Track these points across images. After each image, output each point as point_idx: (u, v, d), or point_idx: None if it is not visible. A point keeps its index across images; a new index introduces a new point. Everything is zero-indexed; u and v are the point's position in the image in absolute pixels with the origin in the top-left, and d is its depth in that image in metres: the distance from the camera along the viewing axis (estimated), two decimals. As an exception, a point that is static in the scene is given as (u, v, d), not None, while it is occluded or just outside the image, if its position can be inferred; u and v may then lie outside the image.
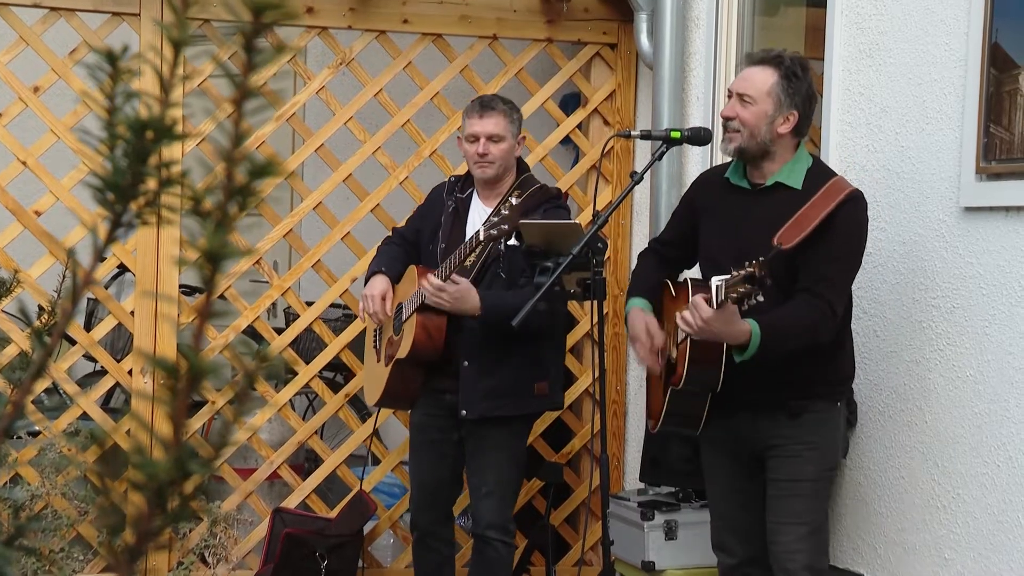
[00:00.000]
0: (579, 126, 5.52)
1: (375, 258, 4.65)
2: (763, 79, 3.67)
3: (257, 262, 5.23)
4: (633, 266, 5.35)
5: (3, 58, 4.99)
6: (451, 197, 4.51)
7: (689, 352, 3.61)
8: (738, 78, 3.82)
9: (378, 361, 4.60)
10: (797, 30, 5.20)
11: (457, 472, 4.57)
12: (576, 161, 5.69)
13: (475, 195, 4.48)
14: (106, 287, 6.12)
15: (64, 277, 5.18)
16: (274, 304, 5.60)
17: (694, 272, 4.05)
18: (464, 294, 4.16)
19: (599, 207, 4.20)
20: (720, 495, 3.95)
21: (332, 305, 5.48)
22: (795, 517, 3.69)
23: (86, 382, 5.85)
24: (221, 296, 5.11)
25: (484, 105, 4.41)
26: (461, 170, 4.65)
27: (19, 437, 5.00)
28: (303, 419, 5.58)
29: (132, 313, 5.07)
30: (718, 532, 3.97)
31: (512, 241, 4.18)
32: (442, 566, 4.62)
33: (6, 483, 4.94)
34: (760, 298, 3.30)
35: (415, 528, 4.63)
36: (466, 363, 4.33)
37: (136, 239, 5.04)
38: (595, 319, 3.96)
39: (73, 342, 5.23)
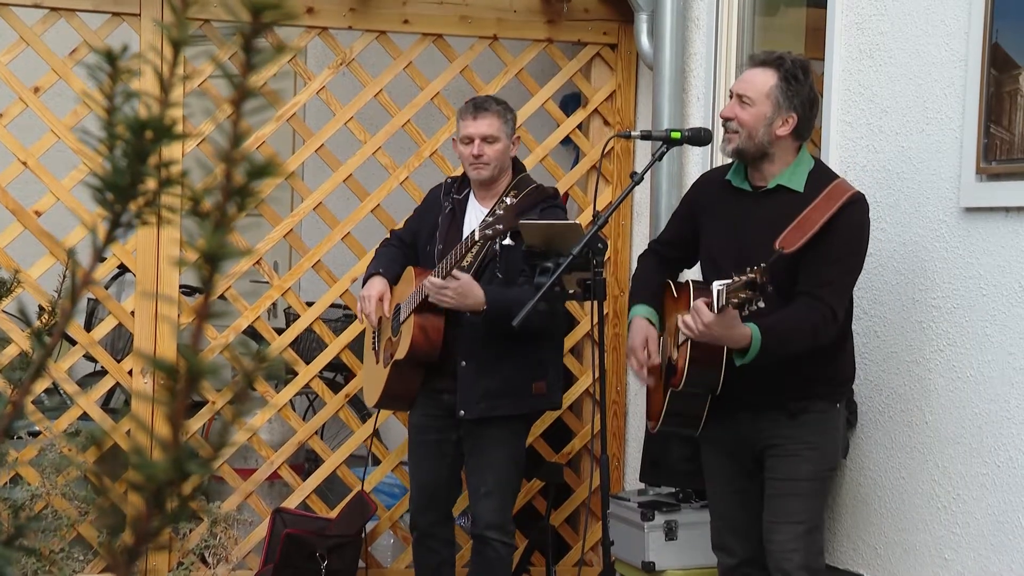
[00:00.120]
0: (579, 126, 5.52)
1: (373, 260, 4.65)
2: (763, 81, 3.67)
3: (257, 262, 5.23)
4: (633, 266, 5.35)
5: (3, 58, 4.99)
6: (448, 198, 4.52)
7: (690, 354, 3.61)
8: (739, 79, 3.82)
9: (377, 362, 4.60)
10: (797, 30, 5.20)
11: (456, 472, 4.57)
12: (576, 161, 5.69)
13: (471, 196, 4.49)
14: (106, 287, 6.12)
15: (64, 277, 5.18)
16: (274, 304, 5.60)
17: (695, 272, 4.05)
18: (468, 289, 4.15)
19: (599, 207, 4.20)
20: (720, 495, 3.95)
21: (332, 305, 5.48)
22: (792, 516, 3.69)
23: (86, 382, 5.85)
24: (221, 296, 5.11)
25: (478, 106, 4.42)
26: (460, 171, 4.65)
27: (19, 437, 5.00)
28: (303, 419, 5.58)
29: (132, 313, 5.07)
30: (718, 532, 3.97)
31: (508, 240, 4.18)
32: (442, 566, 4.62)
33: (6, 483, 4.94)
34: (761, 304, 3.30)
35: (414, 528, 4.63)
36: (464, 363, 4.34)
37: (136, 240, 5.04)
38: (595, 320, 3.96)
39: (73, 342, 5.23)
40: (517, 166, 4.52)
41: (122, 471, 0.98)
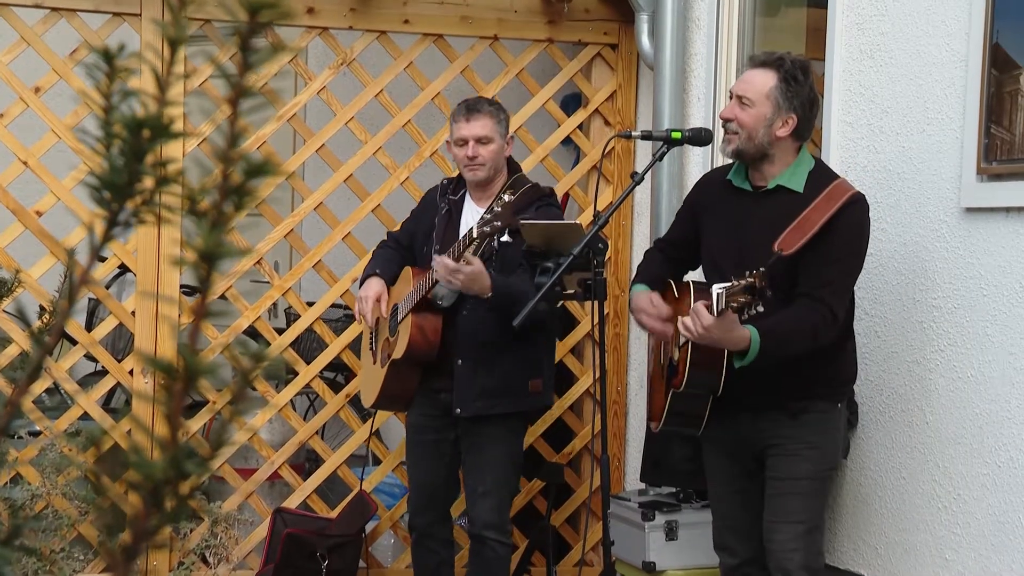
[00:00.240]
0: (580, 127, 5.52)
1: (370, 261, 4.66)
2: (762, 82, 3.66)
3: (258, 262, 5.24)
4: (633, 266, 5.35)
5: (4, 58, 4.99)
6: (444, 199, 4.52)
7: (690, 355, 3.61)
8: (739, 80, 3.82)
9: (374, 363, 4.60)
10: (798, 31, 5.19)
11: (454, 472, 4.57)
12: (577, 161, 5.69)
13: (467, 197, 4.49)
14: (107, 287, 6.12)
15: (65, 277, 5.18)
16: (275, 304, 5.60)
17: (698, 273, 4.05)
18: (478, 275, 4.12)
19: (600, 207, 4.19)
20: (721, 495, 3.95)
21: (333, 305, 5.48)
22: (792, 516, 3.69)
23: (87, 382, 5.85)
24: (222, 296, 5.11)
25: (470, 108, 4.42)
26: (457, 172, 4.65)
27: (20, 437, 5.00)
28: (304, 419, 5.58)
29: (133, 313, 5.07)
30: (719, 532, 3.97)
31: (505, 238, 4.17)
32: (441, 567, 4.62)
33: (6, 483, 4.94)
34: (760, 308, 3.30)
35: (413, 529, 4.63)
36: (460, 362, 4.34)
37: (137, 239, 5.04)
38: (596, 319, 3.96)
39: (74, 342, 5.24)
40: (512, 166, 4.52)
41: (122, 471, 0.98)
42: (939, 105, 3.84)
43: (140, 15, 4.98)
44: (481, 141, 4.38)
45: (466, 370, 4.34)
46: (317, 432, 5.44)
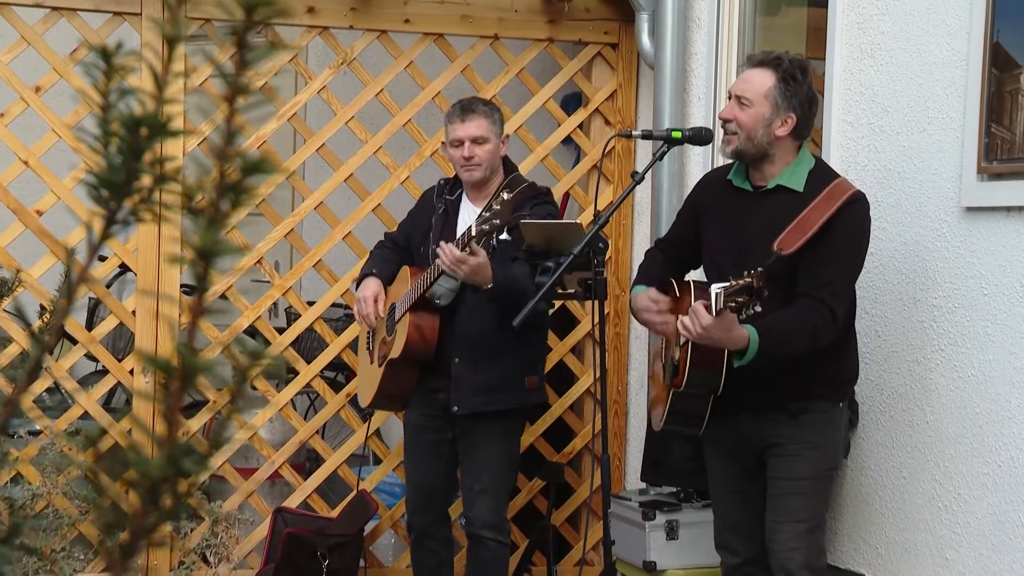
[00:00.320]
0: (580, 126, 5.52)
1: (366, 262, 4.67)
2: (761, 81, 3.66)
3: (258, 262, 5.24)
4: (634, 266, 5.35)
5: (5, 58, 4.99)
6: (440, 200, 4.53)
7: (690, 355, 3.61)
8: (737, 80, 3.82)
9: (371, 362, 4.61)
10: (799, 30, 5.19)
11: (453, 472, 4.58)
12: (577, 161, 5.69)
13: (464, 197, 4.50)
14: (108, 287, 6.12)
15: (65, 276, 5.18)
16: (275, 304, 5.60)
17: (699, 272, 4.04)
18: (482, 267, 4.12)
19: (600, 207, 4.20)
20: (722, 495, 3.95)
21: (333, 305, 5.48)
22: (793, 516, 3.69)
23: (88, 381, 5.85)
24: (223, 296, 5.11)
25: (464, 109, 4.43)
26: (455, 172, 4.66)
27: (20, 436, 5.00)
28: (304, 419, 5.58)
29: (133, 313, 5.08)
30: (720, 532, 3.97)
31: (504, 235, 4.17)
32: (441, 567, 4.62)
33: (7, 482, 4.94)
34: (758, 308, 3.29)
35: (412, 529, 4.63)
36: (457, 360, 4.34)
37: (137, 239, 5.04)
38: (596, 319, 3.96)
39: (75, 341, 5.24)
40: (508, 165, 4.53)
41: (122, 469, 0.98)
42: (940, 104, 3.84)
43: (140, 14, 4.98)
44: (477, 141, 4.38)
45: (463, 368, 4.34)
46: (317, 432, 5.44)
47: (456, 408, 4.35)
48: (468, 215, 4.42)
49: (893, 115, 4.03)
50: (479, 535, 4.44)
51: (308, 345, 6.08)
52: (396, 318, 4.42)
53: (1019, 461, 3.55)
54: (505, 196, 4.07)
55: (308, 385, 5.41)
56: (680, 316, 3.53)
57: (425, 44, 5.31)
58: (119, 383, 5.17)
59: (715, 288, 3.37)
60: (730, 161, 3.87)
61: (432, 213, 4.52)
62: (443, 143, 4.58)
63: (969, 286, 3.72)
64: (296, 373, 5.36)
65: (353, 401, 5.36)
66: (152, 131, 0.92)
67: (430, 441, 4.51)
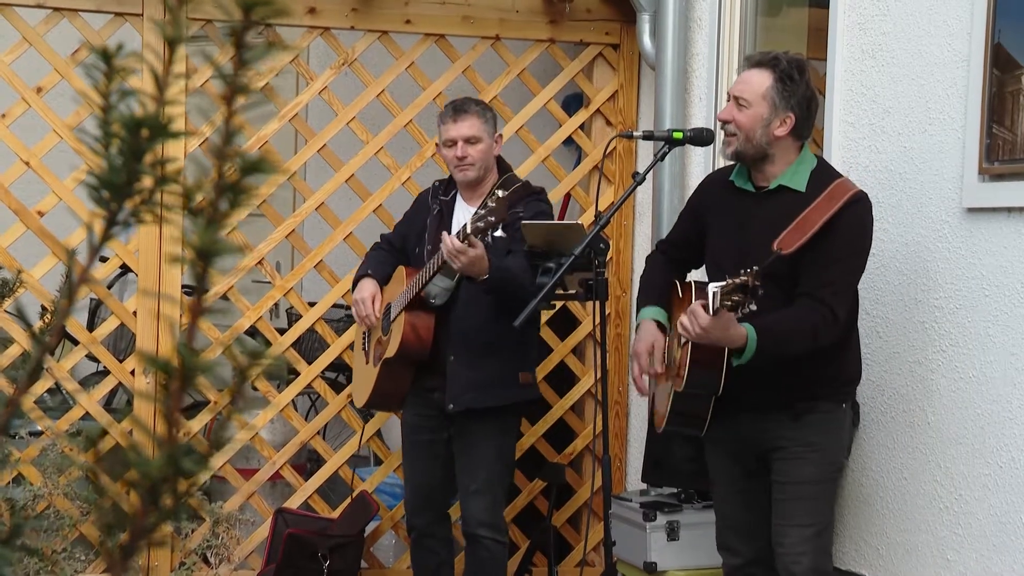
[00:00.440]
0: (581, 127, 5.52)
1: (362, 263, 4.68)
2: (759, 82, 3.66)
3: (259, 262, 5.24)
4: (635, 266, 5.36)
5: (6, 58, 5.00)
6: (435, 200, 4.55)
7: (690, 355, 3.60)
8: (736, 81, 3.82)
9: (367, 362, 4.61)
10: (800, 31, 5.19)
11: (450, 472, 4.57)
12: (578, 162, 5.69)
13: (458, 197, 4.51)
14: (109, 287, 6.12)
15: (66, 277, 5.18)
16: (276, 304, 5.60)
17: (701, 272, 4.04)
18: (479, 259, 4.12)
19: (601, 208, 4.20)
20: (723, 496, 3.95)
21: (334, 305, 5.48)
22: (799, 520, 3.68)
23: (89, 382, 5.85)
24: (224, 297, 5.11)
25: (457, 109, 4.45)
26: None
27: (21, 437, 5.00)
28: (305, 419, 5.59)
29: (134, 313, 5.08)
30: (722, 533, 3.97)
31: (499, 232, 4.18)
32: (441, 567, 4.62)
33: (8, 483, 4.94)
34: (753, 307, 3.29)
35: (412, 530, 4.63)
36: (452, 358, 4.35)
37: (138, 239, 5.05)
38: (597, 320, 3.96)
39: (76, 342, 5.24)
40: (502, 165, 4.54)
41: (122, 470, 0.98)
42: (941, 105, 3.84)
43: (142, 15, 4.99)
44: (470, 141, 4.40)
45: (458, 365, 4.35)
46: (318, 432, 5.44)
47: (451, 406, 4.36)
48: (463, 215, 4.43)
49: (894, 116, 4.03)
50: (476, 534, 4.44)
51: (309, 346, 6.08)
52: (391, 318, 4.43)
53: (1020, 462, 3.55)
54: (501, 194, 4.08)
55: (309, 386, 5.41)
56: (679, 317, 3.53)
57: (426, 45, 5.31)
58: (120, 384, 5.17)
59: (711, 287, 3.38)
60: (729, 162, 3.88)
61: (427, 214, 4.54)
62: (437, 144, 4.59)
63: (970, 287, 3.72)
64: (297, 374, 5.36)
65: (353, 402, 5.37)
66: (153, 132, 0.92)
67: (427, 441, 4.52)
